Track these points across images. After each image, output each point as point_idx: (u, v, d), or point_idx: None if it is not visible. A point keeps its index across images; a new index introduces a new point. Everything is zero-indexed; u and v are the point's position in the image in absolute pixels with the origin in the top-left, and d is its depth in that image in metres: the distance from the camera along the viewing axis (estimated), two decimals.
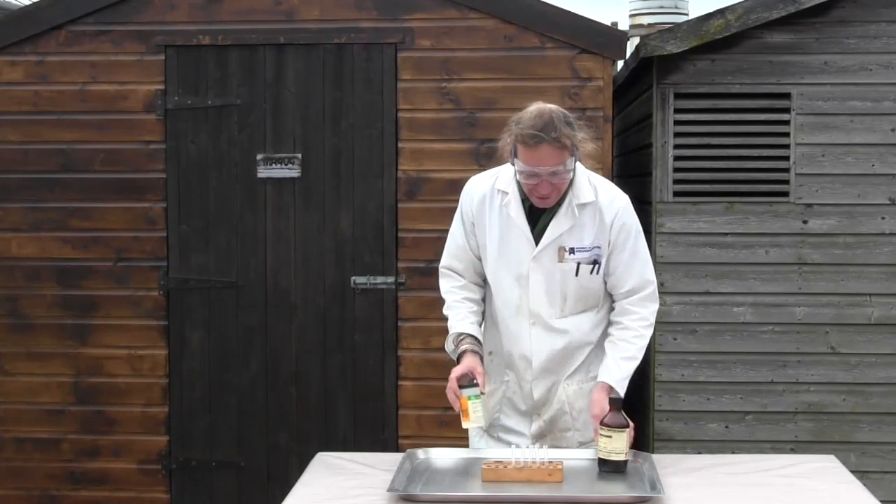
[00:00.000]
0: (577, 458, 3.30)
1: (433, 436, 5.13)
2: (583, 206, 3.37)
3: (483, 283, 3.55)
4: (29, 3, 6.85)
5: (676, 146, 5.31)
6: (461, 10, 5.28)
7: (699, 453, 4.72)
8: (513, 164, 3.31)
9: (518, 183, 3.37)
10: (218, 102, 5.38)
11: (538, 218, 3.39)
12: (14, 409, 5.52)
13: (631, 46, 5.62)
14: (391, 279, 5.37)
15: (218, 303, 5.44)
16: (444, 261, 3.59)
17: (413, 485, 3.06)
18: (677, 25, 5.30)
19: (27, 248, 5.48)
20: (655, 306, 3.50)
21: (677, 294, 5.32)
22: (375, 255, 5.37)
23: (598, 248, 3.39)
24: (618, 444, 3.17)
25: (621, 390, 3.34)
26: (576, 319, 3.45)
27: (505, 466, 3.11)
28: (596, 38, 5.26)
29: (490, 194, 3.45)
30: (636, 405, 5.67)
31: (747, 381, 5.32)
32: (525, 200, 3.39)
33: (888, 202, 5.27)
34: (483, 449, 3.51)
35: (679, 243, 5.32)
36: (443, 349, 3.60)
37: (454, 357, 3.45)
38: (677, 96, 5.29)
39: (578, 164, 3.39)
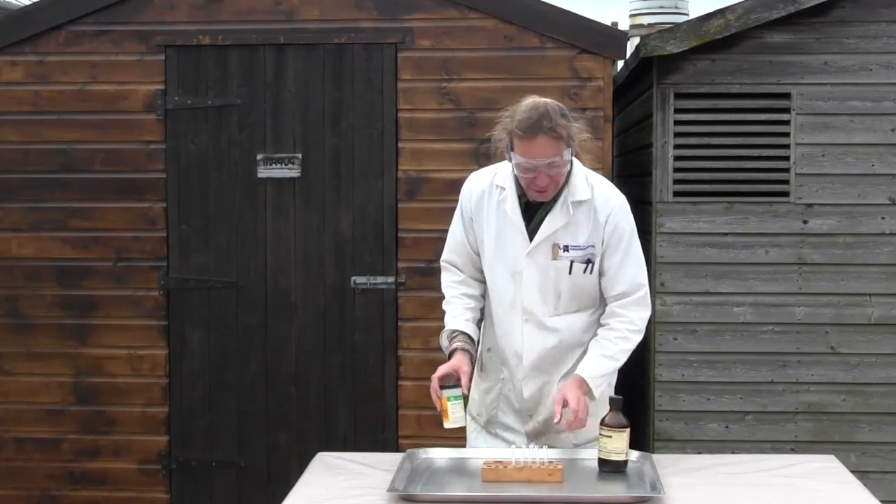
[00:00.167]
0: (577, 458, 3.30)
1: (433, 436, 5.13)
2: (578, 203, 3.36)
3: (482, 278, 3.56)
4: (29, 3, 6.85)
5: (676, 146, 5.31)
6: (461, 10, 5.28)
7: (699, 453, 4.72)
8: (509, 160, 3.32)
9: (515, 178, 3.37)
10: (218, 102, 5.38)
11: (534, 214, 3.39)
12: (14, 409, 5.52)
13: (631, 46, 5.62)
14: (391, 279, 5.37)
15: (218, 303, 5.44)
16: (445, 255, 3.60)
17: (413, 485, 3.06)
18: (677, 25, 5.30)
19: (27, 248, 5.48)
20: (646, 312, 3.44)
21: (677, 294, 5.32)
22: (375, 255, 5.37)
23: (593, 246, 3.38)
24: (618, 444, 3.17)
25: (595, 387, 3.30)
26: (568, 319, 3.44)
27: (505, 466, 3.10)
28: (596, 38, 5.26)
29: (489, 190, 3.45)
30: (636, 405, 5.67)
31: (747, 381, 5.32)
32: (521, 196, 3.39)
33: (888, 202, 5.27)
34: (482, 448, 3.51)
35: (679, 243, 5.32)
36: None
37: (446, 353, 3.45)
38: (677, 96, 5.29)
39: (577, 162, 3.39)
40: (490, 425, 3.57)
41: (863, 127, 5.25)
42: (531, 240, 3.38)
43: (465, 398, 3.34)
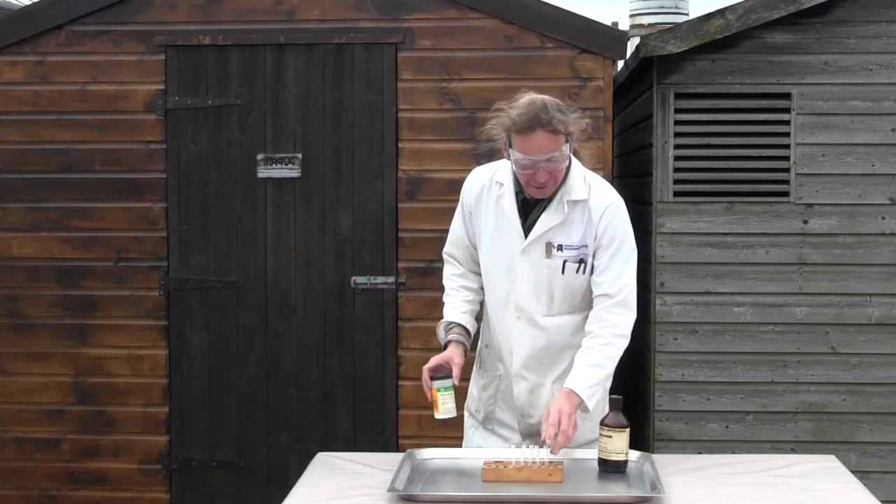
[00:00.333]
0: (577, 458, 3.29)
1: (433, 436, 5.13)
2: (574, 203, 3.36)
3: (480, 272, 3.57)
4: (29, 3, 6.85)
5: (677, 146, 5.31)
6: (461, 10, 5.28)
7: (699, 453, 4.72)
8: (508, 158, 3.32)
9: (514, 175, 3.37)
10: (218, 102, 5.38)
11: (530, 212, 3.39)
12: (14, 409, 5.52)
13: (631, 46, 5.62)
14: (391, 279, 5.37)
15: (218, 303, 5.44)
16: (446, 247, 3.63)
17: (413, 485, 3.06)
18: (678, 25, 5.30)
19: (27, 248, 5.48)
20: (631, 316, 3.36)
21: (677, 294, 5.32)
22: (375, 255, 5.37)
23: (585, 247, 3.37)
24: (618, 444, 3.16)
25: (588, 398, 3.24)
26: (561, 320, 3.42)
27: (505, 466, 3.10)
28: (596, 38, 5.26)
29: (488, 185, 3.46)
30: (636, 405, 5.67)
31: (747, 381, 5.32)
32: (518, 193, 3.39)
33: (888, 202, 5.27)
34: (483, 448, 3.51)
35: (679, 243, 5.32)
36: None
37: (442, 344, 3.47)
38: (677, 96, 5.29)
39: (576, 161, 3.40)
40: (487, 422, 3.58)
41: (863, 127, 5.25)
42: (526, 237, 3.38)
43: (457, 389, 3.34)
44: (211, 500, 5.51)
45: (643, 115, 5.72)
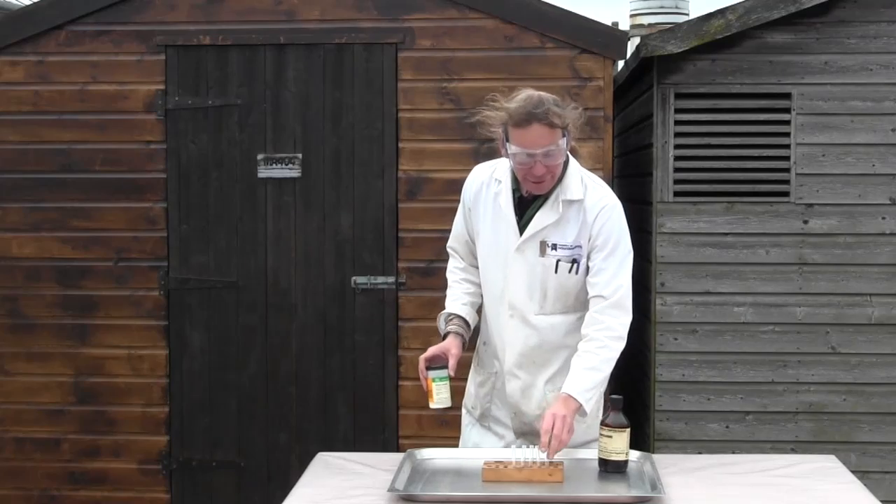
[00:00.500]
0: (577, 458, 3.29)
1: (433, 436, 5.14)
2: (569, 202, 3.36)
3: None
4: (29, 3, 6.85)
5: (677, 146, 5.31)
6: (461, 10, 5.28)
7: (699, 453, 4.72)
8: (505, 155, 3.33)
9: (512, 173, 3.39)
10: (218, 102, 5.38)
11: (526, 209, 3.40)
12: (14, 409, 5.52)
13: (631, 46, 5.62)
14: (391, 279, 5.36)
15: (218, 303, 5.44)
16: (450, 241, 3.67)
17: (413, 485, 3.06)
18: (678, 25, 5.30)
19: (27, 248, 5.48)
20: (626, 318, 3.36)
21: (677, 294, 5.32)
22: (376, 255, 5.37)
23: (580, 247, 3.37)
24: (618, 444, 3.17)
25: (585, 402, 3.23)
26: (553, 319, 3.42)
27: (505, 466, 3.11)
28: (596, 38, 5.26)
29: (487, 182, 3.48)
30: (636, 405, 5.67)
31: (748, 381, 5.32)
32: (516, 191, 3.40)
33: (889, 202, 5.27)
34: (480, 446, 3.53)
35: (679, 243, 5.32)
36: None
37: (441, 335, 3.49)
38: (678, 96, 5.29)
39: (574, 162, 3.41)
40: (483, 419, 3.59)
41: (863, 127, 5.25)
42: (521, 235, 3.39)
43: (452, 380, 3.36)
44: (211, 500, 5.51)
45: (643, 115, 5.72)
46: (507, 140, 3.28)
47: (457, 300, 3.54)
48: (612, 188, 3.77)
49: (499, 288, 3.45)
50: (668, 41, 5.17)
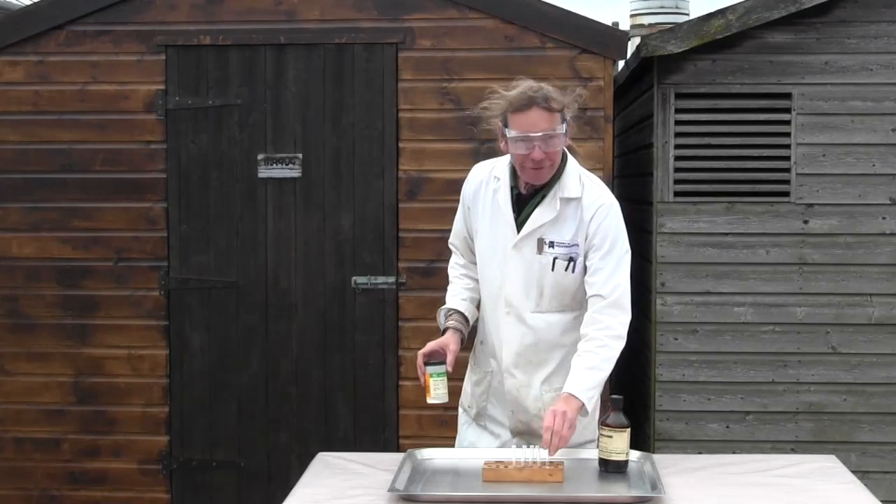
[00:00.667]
0: (577, 457, 3.29)
1: (434, 436, 5.13)
2: (567, 200, 3.37)
3: None
4: (29, 3, 6.85)
5: (677, 146, 5.31)
6: (461, 10, 5.28)
7: (699, 453, 4.72)
8: (504, 148, 3.34)
9: (511, 170, 3.40)
10: (218, 102, 5.38)
11: (524, 207, 3.40)
12: (14, 409, 5.52)
13: (632, 46, 5.62)
14: (392, 279, 5.36)
15: (218, 303, 5.44)
16: (451, 238, 3.69)
17: (413, 485, 3.06)
18: (678, 25, 5.30)
19: (27, 248, 5.48)
20: (625, 317, 3.35)
21: (677, 294, 5.31)
22: (376, 255, 5.37)
23: (577, 245, 3.38)
24: (618, 444, 3.16)
25: (588, 401, 3.23)
26: (549, 318, 3.42)
27: (506, 466, 3.10)
28: (596, 38, 5.26)
29: (486, 180, 3.50)
30: (636, 405, 5.67)
31: (748, 381, 5.32)
32: (514, 188, 3.41)
33: (889, 202, 5.27)
34: (476, 445, 3.54)
35: (679, 243, 5.32)
36: None
37: (441, 330, 3.51)
38: (678, 96, 5.29)
39: (572, 160, 3.42)
40: (479, 418, 3.60)
41: (863, 127, 5.25)
42: (519, 232, 3.39)
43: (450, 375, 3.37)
44: (211, 500, 5.51)
45: (643, 115, 5.72)
46: (506, 126, 3.29)
47: (456, 295, 3.57)
48: (613, 188, 3.78)
49: (496, 285, 3.45)
50: (668, 41, 5.17)
